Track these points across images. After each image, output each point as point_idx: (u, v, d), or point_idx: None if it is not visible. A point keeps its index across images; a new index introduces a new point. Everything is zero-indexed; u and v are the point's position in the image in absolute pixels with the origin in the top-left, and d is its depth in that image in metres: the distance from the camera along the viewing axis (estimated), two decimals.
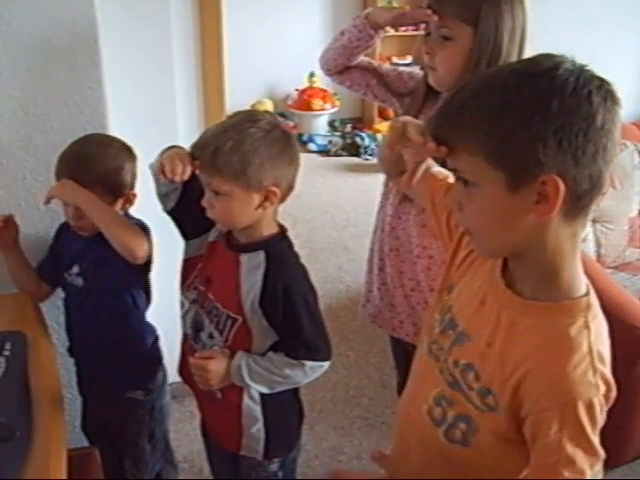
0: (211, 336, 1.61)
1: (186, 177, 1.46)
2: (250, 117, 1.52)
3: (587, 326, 1.02)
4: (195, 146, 1.52)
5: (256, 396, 1.62)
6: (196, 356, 1.61)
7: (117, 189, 1.80)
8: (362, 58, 1.93)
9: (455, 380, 1.14)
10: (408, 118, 1.20)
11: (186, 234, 1.68)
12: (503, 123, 0.96)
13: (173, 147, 1.57)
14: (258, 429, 1.65)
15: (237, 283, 1.55)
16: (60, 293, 1.97)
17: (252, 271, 1.54)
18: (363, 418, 2.73)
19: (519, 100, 0.96)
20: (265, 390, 1.58)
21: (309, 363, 1.56)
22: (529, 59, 1.02)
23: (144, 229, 1.81)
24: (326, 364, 1.59)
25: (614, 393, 1.02)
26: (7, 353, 1.59)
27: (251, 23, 5.51)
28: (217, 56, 3.05)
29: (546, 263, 1.04)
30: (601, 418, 1.00)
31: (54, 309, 2.00)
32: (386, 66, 1.98)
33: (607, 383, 1.01)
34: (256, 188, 1.48)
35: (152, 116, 2.17)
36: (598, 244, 2.90)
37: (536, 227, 1.00)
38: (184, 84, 2.63)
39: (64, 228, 1.93)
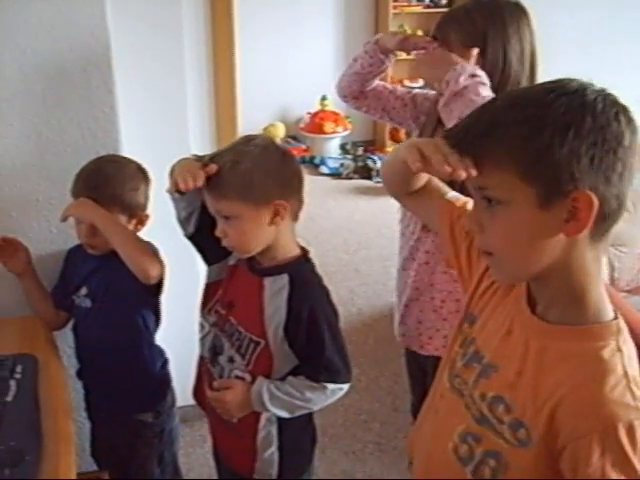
0: (231, 360, 1.60)
1: (200, 183, 1.45)
2: (244, 138, 1.55)
3: (619, 349, 1.00)
4: None
5: (273, 419, 1.61)
6: (214, 385, 1.61)
7: (133, 209, 1.82)
8: (377, 82, 1.96)
9: (482, 415, 1.09)
10: (421, 141, 1.12)
11: (208, 259, 1.67)
12: (539, 139, 0.95)
13: (180, 160, 1.56)
14: (272, 453, 1.63)
15: (261, 307, 1.55)
16: None
17: (276, 294, 1.54)
18: (375, 443, 2.71)
19: (554, 115, 0.95)
20: (285, 415, 1.57)
21: (330, 386, 1.55)
22: (555, 81, 1.02)
23: (153, 248, 1.81)
24: (346, 387, 1.58)
25: None
26: (18, 376, 1.59)
27: (264, 47, 5.55)
28: (230, 80, 3.08)
29: (573, 287, 1.02)
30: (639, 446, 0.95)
31: (65, 332, 2.00)
32: (401, 89, 2.00)
33: None
34: (263, 203, 1.48)
35: (165, 140, 2.18)
36: (611, 268, 2.87)
37: (563, 248, 0.99)
38: (197, 108, 2.64)
39: (72, 252, 1.95)
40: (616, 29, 4.07)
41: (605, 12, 4.03)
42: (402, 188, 1.31)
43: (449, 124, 1.61)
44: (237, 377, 1.60)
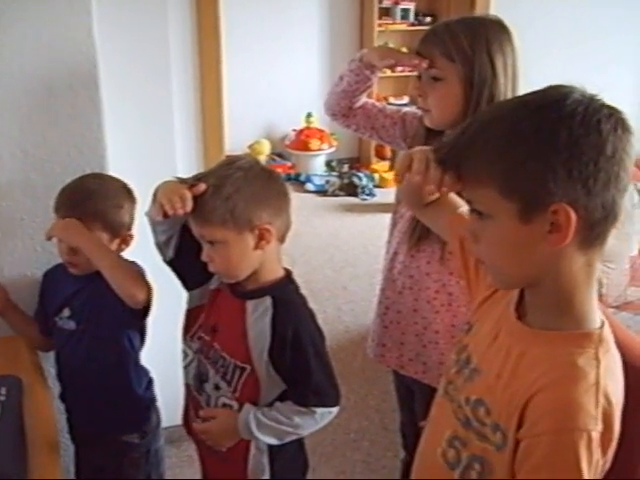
0: (217, 387, 1.57)
1: (188, 209, 1.42)
2: (228, 161, 1.52)
3: (597, 358, 0.99)
4: None
5: (264, 447, 1.57)
6: (200, 414, 1.59)
7: (116, 227, 1.79)
8: (366, 100, 1.95)
9: (467, 419, 1.11)
10: (417, 149, 1.18)
11: (187, 284, 1.63)
12: (513, 154, 0.96)
13: (164, 183, 1.52)
14: None
15: (244, 331, 1.52)
16: None
17: (259, 318, 1.51)
18: (364, 462, 2.68)
19: (528, 131, 0.96)
20: (274, 442, 1.54)
21: (319, 410, 1.52)
22: (538, 91, 1.02)
23: (140, 271, 1.79)
24: (335, 410, 1.55)
25: (615, 436, 0.97)
26: (2, 398, 1.57)
27: (249, 66, 5.56)
28: (216, 97, 3.07)
29: (559, 293, 1.02)
30: (595, 458, 0.94)
31: (49, 353, 1.97)
32: (390, 108, 1.99)
33: (605, 422, 0.95)
34: (248, 228, 1.45)
35: (151, 158, 2.17)
36: (599, 283, 2.88)
37: (550, 257, 0.99)
38: (183, 125, 2.63)
39: (51, 273, 1.92)
40: (596, 25, 4.08)
41: (584, 8, 4.04)
42: (415, 200, 1.33)
43: None
44: (224, 405, 1.57)
